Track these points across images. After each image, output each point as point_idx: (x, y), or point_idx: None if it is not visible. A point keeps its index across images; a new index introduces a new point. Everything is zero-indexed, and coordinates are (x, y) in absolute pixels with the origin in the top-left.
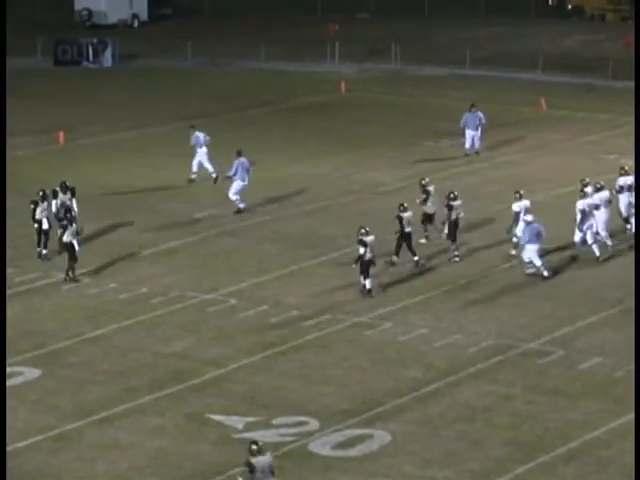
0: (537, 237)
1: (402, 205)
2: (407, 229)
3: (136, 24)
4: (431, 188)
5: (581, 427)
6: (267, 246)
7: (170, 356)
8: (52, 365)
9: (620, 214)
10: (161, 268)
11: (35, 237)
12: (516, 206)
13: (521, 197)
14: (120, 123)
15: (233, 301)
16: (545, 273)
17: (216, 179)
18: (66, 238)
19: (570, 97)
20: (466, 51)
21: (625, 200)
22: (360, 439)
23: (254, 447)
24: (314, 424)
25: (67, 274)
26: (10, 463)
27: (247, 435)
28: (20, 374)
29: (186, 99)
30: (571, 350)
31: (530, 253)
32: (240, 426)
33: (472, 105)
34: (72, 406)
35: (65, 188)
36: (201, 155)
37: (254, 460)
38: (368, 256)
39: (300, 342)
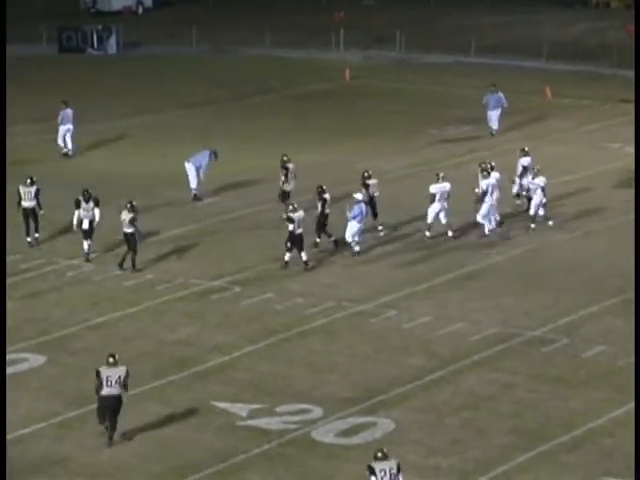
0: (364, 216)
1: (321, 187)
2: (327, 210)
3: (140, 11)
4: (291, 165)
5: (584, 415)
6: (271, 233)
7: (174, 343)
8: (57, 352)
9: (520, 192)
10: (165, 255)
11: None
12: (433, 188)
13: (443, 179)
14: (124, 110)
15: (237, 288)
16: (357, 248)
17: (66, 155)
18: (127, 229)
19: (575, 85)
20: (471, 39)
21: (526, 180)
22: (363, 427)
23: (111, 360)
24: (317, 412)
25: (132, 265)
26: (14, 450)
27: (251, 422)
28: (25, 360)
29: (190, 86)
30: (575, 338)
31: (354, 229)
32: (244, 413)
33: (492, 85)
34: (76, 393)
35: (88, 196)
36: (64, 131)
37: (102, 368)
38: (297, 231)
39: (304, 329)
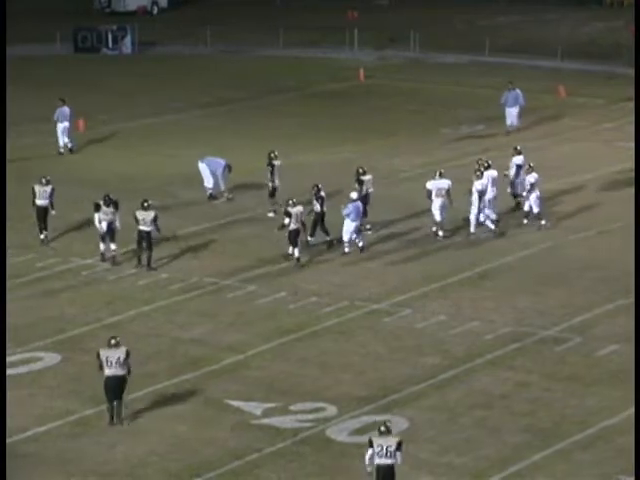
0: (360, 215)
1: (317, 186)
2: (324, 209)
3: (155, 11)
4: (277, 162)
5: (598, 414)
6: (285, 233)
7: (188, 342)
8: (72, 350)
9: (515, 192)
10: (180, 254)
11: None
12: (429, 184)
13: (441, 176)
14: (139, 110)
15: (251, 287)
16: (347, 250)
17: (61, 153)
18: (144, 227)
19: (589, 84)
20: (485, 38)
21: (519, 178)
22: (377, 425)
23: (112, 341)
24: (332, 410)
25: (148, 263)
26: (30, 448)
27: (265, 421)
28: (40, 359)
29: (205, 86)
30: (588, 337)
31: (350, 227)
32: (258, 412)
33: (510, 83)
34: (92, 391)
35: (109, 201)
36: (62, 129)
37: (101, 350)
38: (293, 226)
39: (318, 329)
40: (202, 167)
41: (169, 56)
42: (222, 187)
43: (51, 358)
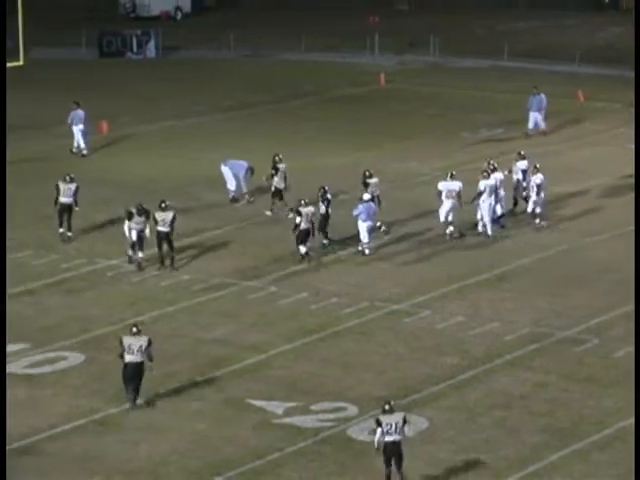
0: (372, 216)
1: (323, 188)
2: (329, 211)
3: (179, 16)
4: (281, 165)
5: (616, 414)
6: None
7: (210, 342)
8: (96, 350)
9: (520, 195)
10: (202, 256)
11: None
12: (440, 185)
13: (453, 178)
14: (162, 113)
15: (273, 288)
16: (367, 252)
17: (83, 155)
18: (163, 228)
19: (607, 89)
20: (504, 44)
21: (527, 181)
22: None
23: (134, 329)
24: (352, 410)
25: (171, 264)
26: (53, 446)
27: (287, 420)
28: (64, 359)
29: (228, 90)
30: (606, 338)
31: (363, 229)
32: (280, 411)
33: (534, 87)
34: (116, 390)
35: (141, 210)
36: (77, 131)
37: (124, 337)
38: (303, 226)
39: (339, 329)
40: (225, 170)
41: (192, 60)
42: (244, 189)
43: (75, 358)
